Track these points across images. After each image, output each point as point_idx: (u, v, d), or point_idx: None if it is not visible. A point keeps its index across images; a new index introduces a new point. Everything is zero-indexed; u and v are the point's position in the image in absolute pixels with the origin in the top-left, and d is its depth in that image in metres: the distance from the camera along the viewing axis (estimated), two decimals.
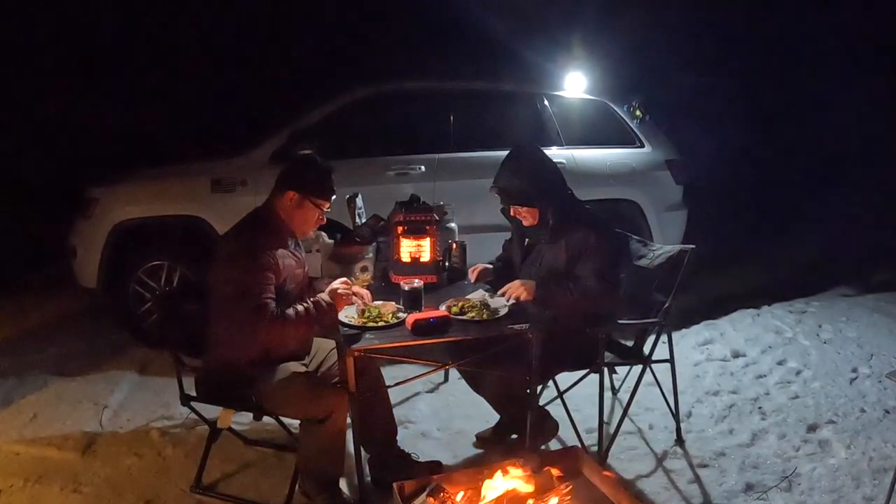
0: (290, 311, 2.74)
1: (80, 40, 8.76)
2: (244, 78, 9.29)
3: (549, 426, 3.45)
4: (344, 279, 3.04)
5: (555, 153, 5.22)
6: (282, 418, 3.04)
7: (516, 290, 3.10)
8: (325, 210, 2.96)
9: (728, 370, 4.44)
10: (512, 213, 3.29)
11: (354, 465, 2.95)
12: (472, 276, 3.46)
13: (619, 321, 3.36)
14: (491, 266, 3.52)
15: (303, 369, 2.94)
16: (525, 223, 3.28)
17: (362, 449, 2.99)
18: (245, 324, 2.67)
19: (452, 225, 3.81)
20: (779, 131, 10.44)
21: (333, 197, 2.98)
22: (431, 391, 4.19)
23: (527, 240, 3.39)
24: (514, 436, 3.43)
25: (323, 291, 3.00)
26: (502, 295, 3.14)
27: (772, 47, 10.52)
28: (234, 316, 2.70)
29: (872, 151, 9.89)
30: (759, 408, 3.93)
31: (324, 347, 3.21)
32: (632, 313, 3.43)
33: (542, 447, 3.39)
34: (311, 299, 2.83)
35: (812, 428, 3.68)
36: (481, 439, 3.57)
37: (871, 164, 9.69)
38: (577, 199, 3.36)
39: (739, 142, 10.35)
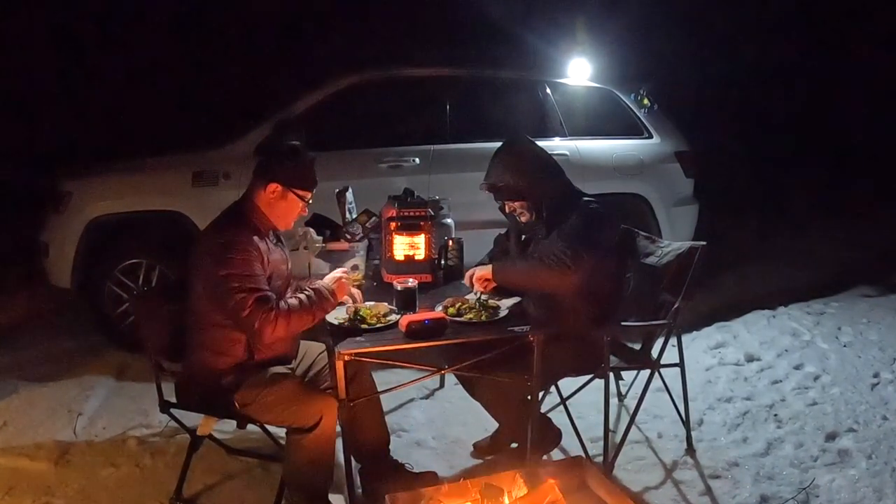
0: (293, 301, 2.76)
1: (52, 21, 8.80)
2: (227, 65, 9.30)
3: (551, 435, 3.45)
4: (343, 268, 3.09)
5: (557, 144, 5.26)
6: (267, 427, 3.04)
7: (477, 277, 3.20)
8: (307, 201, 2.98)
9: (742, 375, 4.47)
10: (507, 210, 3.32)
11: (344, 476, 2.96)
12: (468, 282, 3.39)
13: (625, 322, 3.37)
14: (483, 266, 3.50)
15: (290, 374, 2.94)
16: (522, 219, 3.30)
17: (353, 459, 3.00)
18: (250, 319, 2.66)
19: (449, 220, 3.80)
20: (797, 122, 10.47)
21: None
22: (426, 397, 4.22)
23: (523, 236, 3.41)
24: (514, 444, 3.44)
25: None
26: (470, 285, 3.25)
27: (789, 34, 10.53)
28: (238, 313, 2.67)
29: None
30: (775, 415, 3.96)
31: (311, 351, 3.22)
32: (638, 313, 3.45)
33: (544, 457, 3.39)
34: (311, 286, 2.86)
35: (831, 436, 3.70)
36: (479, 449, 3.58)
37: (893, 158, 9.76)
38: (576, 189, 3.36)
39: (754, 133, 10.38)
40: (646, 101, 5.52)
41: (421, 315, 2.90)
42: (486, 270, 3.20)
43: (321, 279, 3.12)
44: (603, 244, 3.16)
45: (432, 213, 3.53)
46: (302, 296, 2.80)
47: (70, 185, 4.89)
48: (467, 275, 3.37)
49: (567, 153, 5.22)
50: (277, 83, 7.43)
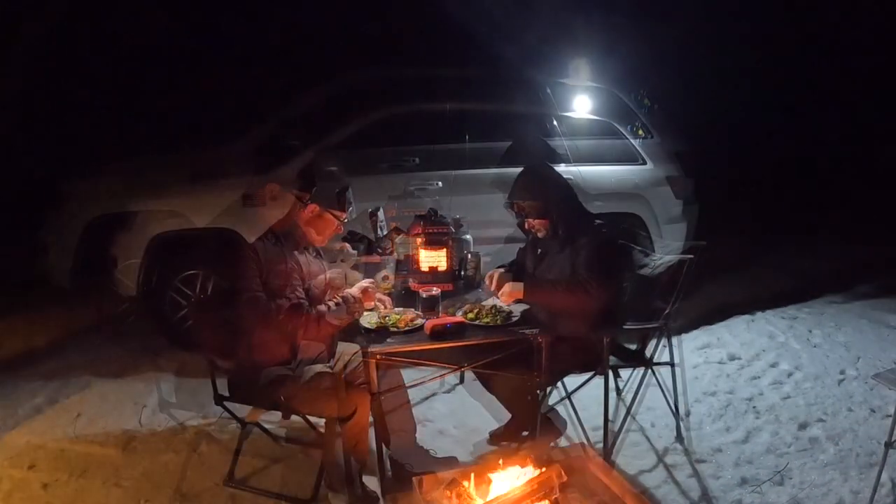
0: (322, 307, 3.10)
1: (53, 20, 8.63)
2: (228, 64, 9.28)
3: (555, 427, 3.70)
4: (371, 279, 3.41)
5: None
6: (308, 416, 3.24)
7: (507, 293, 3.38)
8: (342, 220, 3.34)
9: (724, 372, 4.72)
10: (527, 227, 3.60)
11: (376, 460, 3.25)
12: (490, 285, 3.54)
13: (624, 326, 3.61)
14: (503, 269, 3.68)
15: (328, 372, 3.24)
16: (539, 235, 3.57)
17: (383, 446, 3.29)
18: (286, 322, 3.01)
19: (468, 236, 4.05)
20: (782, 136, 10.69)
21: (351, 209, 3.36)
22: (448, 392, 4.44)
23: (539, 250, 3.67)
24: (525, 433, 3.66)
25: None
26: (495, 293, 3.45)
27: (785, 41, 10.71)
28: (275, 318, 3.00)
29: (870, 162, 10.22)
30: (754, 407, 4.19)
31: (348, 352, 3.49)
32: (634, 318, 3.69)
33: (550, 445, 3.60)
34: (340, 294, 3.18)
35: (803, 426, 3.95)
36: (495, 437, 3.82)
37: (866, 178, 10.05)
38: (586, 211, 3.65)
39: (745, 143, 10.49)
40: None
41: (443, 319, 3.21)
42: (517, 290, 3.36)
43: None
44: (615, 270, 3.45)
45: (454, 231, 3.82)
46: (331, 303, 3.13)
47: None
48: (500, 291, 3.46)
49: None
50: (277, 83, 7.41)
